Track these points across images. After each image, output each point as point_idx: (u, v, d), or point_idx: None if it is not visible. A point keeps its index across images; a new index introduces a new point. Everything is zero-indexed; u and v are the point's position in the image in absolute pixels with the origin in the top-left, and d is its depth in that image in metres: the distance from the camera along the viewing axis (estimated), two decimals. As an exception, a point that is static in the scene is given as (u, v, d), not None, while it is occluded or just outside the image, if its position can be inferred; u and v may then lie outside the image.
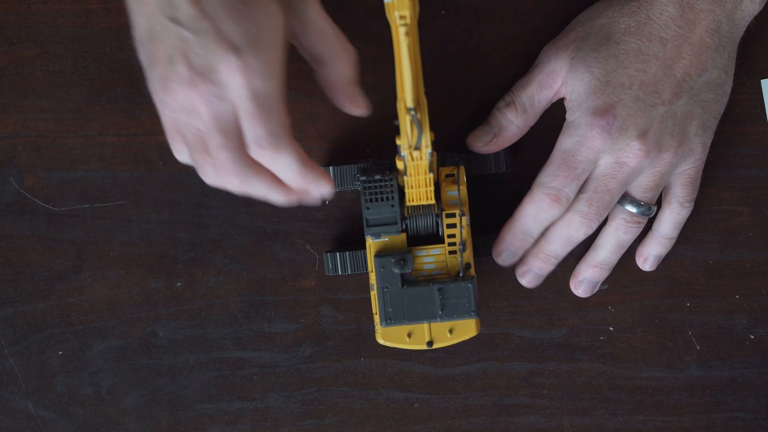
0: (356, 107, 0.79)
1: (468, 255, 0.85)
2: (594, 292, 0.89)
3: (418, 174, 0.81)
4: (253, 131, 0.72)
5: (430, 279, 0.85)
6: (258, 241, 0.89)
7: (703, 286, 0.90)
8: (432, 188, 0.82)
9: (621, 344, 0.90)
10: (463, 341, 0.89)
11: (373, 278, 0.84)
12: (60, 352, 0.90)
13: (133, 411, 0.90)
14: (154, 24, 0.72)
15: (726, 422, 0.90)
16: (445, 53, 0.89)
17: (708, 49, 0.82)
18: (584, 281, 0.88)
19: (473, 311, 0.84)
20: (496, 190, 0.89)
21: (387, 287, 0.84)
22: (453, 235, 0.84)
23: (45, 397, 0.90)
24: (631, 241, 0.87)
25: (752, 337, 0.90)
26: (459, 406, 0.90)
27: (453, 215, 0.84)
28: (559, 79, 0.84)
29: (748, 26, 0.85)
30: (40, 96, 0.89)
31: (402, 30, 0.70)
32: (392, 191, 0.84)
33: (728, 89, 0.85)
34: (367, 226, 0.84)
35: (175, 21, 0.71)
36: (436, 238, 0.85)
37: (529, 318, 0.89)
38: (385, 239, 0.84)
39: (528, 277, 0.88)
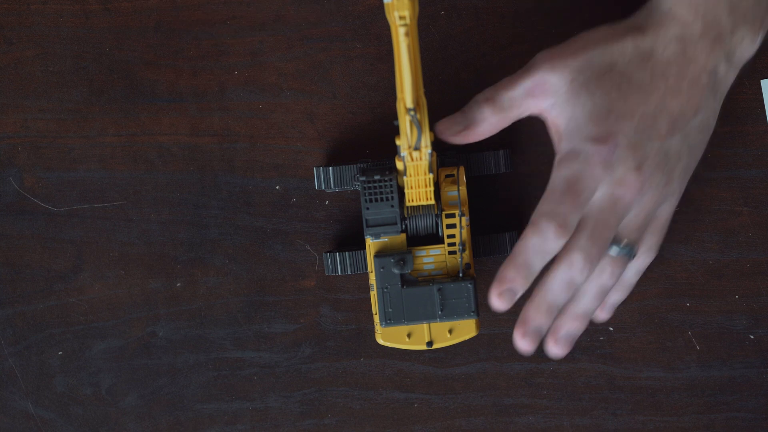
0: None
1: (468, 255, 0.85)
2: (571, 347, 0.83)
3: (418, 174, 0.81)
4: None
5: (429, 279, 0.85)
6: (258, 241, 0.89)
7: (703, 286, 0.90)
8: (432, 188, 0.82)
9: (621, 344, 0.90)
10: (462, 341, 0.89)
11: (372, 278, 0.84)
12: (60, 352, 0.90)
13: (132, 411, 0.90)
14: None
15: (726, 422, 0.90)
16: (445, 53, 0.89)
17: (704, 89, 0.81)
18: (564, 337, 0.82)
19: (473, 311, 0.84)
20: (496, 191, 0.89)
21: (386, 287, 0.84)
22: (453, 236, 0.84)
23: (45, 397, 0.90)
24: (612, 286, 0.83)
25: (752, 337, 0.90)
26: (459, 406, 0.90)
27: (453, 215, 0.84)
28: (549, 96, 0.81)
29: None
30: (40, 96, 0.89)
31: (402, 30, 0.69)
32: (392, 191, 0.84)
33: (710, 134, 0.83)
34: (367, 226, 0.84)
35: None
36: (435, 239, 0.85)
37: (529, 318, 0.89)
38: (384, 239, 0.84)
39: (527, 341, 0.80)
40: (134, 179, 0.89)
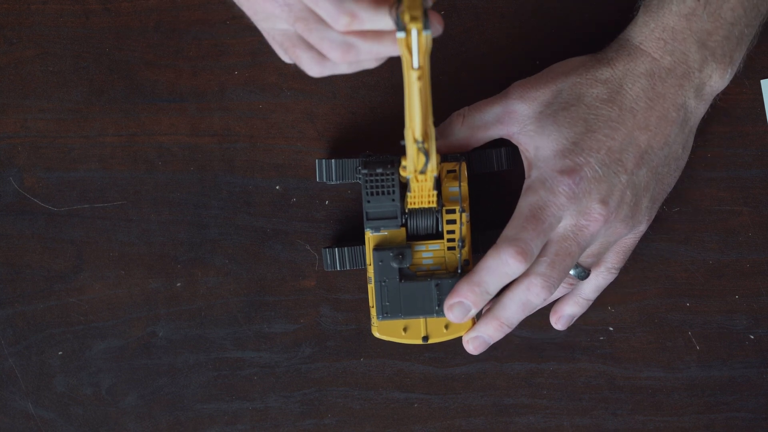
0: None
1: (467, 251, 0.85)
2: (485, 349, 0.86)
3: (422, 191, 0.81)
4: (321, 10, 0.70)
5: (428, 274, 0.85)
6: (258, 241, 0.89)
7: (703, 286, 0.90)
8: (434, 198, 0.82)
9: (621, 344, 0.90)
10: (458, 338, 0.89)
11: (371, 271, 0.84)
12: (60, 352, 0.90)
13: (132, 411, 0.90)
14: None
15: (726, 422, 0.90)
16: (445, 53, 0.89)
17: (672, 124, 0.83)
18: (480, 338, 0.85)
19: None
20: (497, 188, 0.89)
21: (384, 281, 0.84)
22: (452, 231, 0.85)
23: (45, 397, 0.90)
24: (556, 298, 0.87)
25: (752, 337, 0.90)
26: (459, 406, 0.90)
27: (453, 211, 0.84)
28: (517, 123, 0.84)
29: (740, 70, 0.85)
30: (40, 96, 0.89)
31: (414, 75, 0.70)
32: (393, 185, 0.84)
33: (683, 164, 0.85)
34: (367, 219, 0.84)
35: None
36: (435, 235, 0.85)
37: (529, 318, 0.89)
38: (384, 233, 0.85)
39: (476, 344, 0.86)
40: (134, 179, 0.89)
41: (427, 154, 0.76)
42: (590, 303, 0.88)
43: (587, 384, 0.90)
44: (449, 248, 0.85)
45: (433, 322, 0.85)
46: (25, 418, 0.90)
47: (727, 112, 0.88)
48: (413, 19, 0.68)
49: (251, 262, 0.89)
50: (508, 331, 0.84)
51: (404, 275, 0.84)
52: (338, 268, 0.87)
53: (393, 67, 0.89)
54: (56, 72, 0.89)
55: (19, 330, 0.90)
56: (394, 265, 0.84)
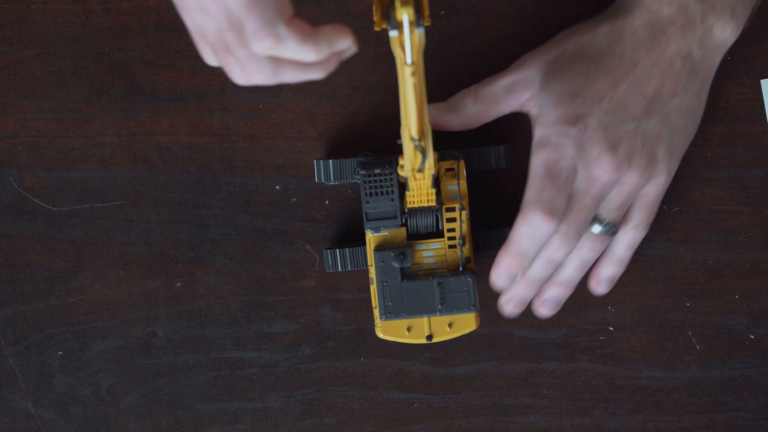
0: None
1: (468, 249, 0.85)
2: (557, 310, 0.87)
3: (421, 189, 0.81)
4: (248, 25, 0.68)
5: (429, 273, 0.85)
6: (258, 241, 0.89)
7: (703, 286, 0.90)
8: (433, 197, 0.82)
9: (621, 344, 0.90)
10: (462, 338, 0.89)
11: (372, 272, 0.84)
12: (60, 352, 0.90)
13: (132, 411, 0.90)
14: None
15: (726, 422, 0.90)
16: (445, 53, 0.89)
17: (679, 73, 0.83)
18: (549, 300, 0.87)
19: (473, 305, 0.84)
20: (496, 186, 0.89)
21: (386, 281, 0.84)
22: (453, 230, 0.85)
23: (45, 397, 0.90)
24: (595, 259, 0.87)
25: (752, 337, 0.90)
26: (459, 406, 0.90)
27: (453, 209, 0.84)
28: (526, 90, 0.85)
29: (749, 26, 0.85)
30: (40, 96, 0.89)
31: (408, 71, 0.70)
32: (392, 185, 0.84)
33: (699, 116, 0.85)
34: (367, 220, 0.84)
35: None
36: (436, 233, 0.86)
37: (529, 318, 0.89)
38: (384, 233, 0.85)
39: (511, 306, 0.86)
40: (134, 179, 0.89)
41: (424, 151, 0.76)
42: (626, 263, 0.87)
43: (587, 384, 0.90)
44: (450, 246, 0.85)
45: (437, 321, 0.85)
46: (25, 418, 0.90)
47: (727, 112, 0.88)
48: (406, 15, 0.68)
49: (251, 262, 0.89)
50: (538, 286, 0.86)
51: (406, 275, 0.84)
52: (340, 269, 0.87)
53: (393, 67, 0.89)
54: (56, 72, 0.89)
55: (19, 330, 0.90)
56: (396, 265, 0.84)
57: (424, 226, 0.85)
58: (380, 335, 0.85)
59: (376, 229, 0.85)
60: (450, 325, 0.85)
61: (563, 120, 0.82)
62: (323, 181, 0.86)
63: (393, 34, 0.69)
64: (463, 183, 0.85)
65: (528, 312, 0.90)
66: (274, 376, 0.90)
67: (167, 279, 0.90)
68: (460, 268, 0.84)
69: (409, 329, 0.85)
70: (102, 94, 0.89)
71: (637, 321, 0.90)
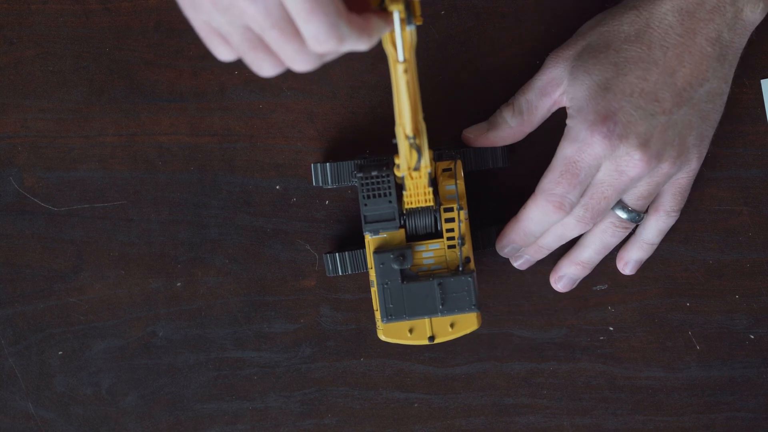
0: None
1: (467, 249, 0.85)
2: (572, 287, 0.89)
3: (417, 188, 0.81)
4: (310, 29, 0.67)
5: (429, 274, 0.85)
6: (258, 241, 0.89)
7: (703, 286, 0.90)
8: (431, 196, 0.82)
9: (621, 344, 0.90)
10: (463, 338, 0.89)
11: (372, 275, 0.84)
12: (60, 352, 0.90)
13: (132, 411, 0.90)
14: None
15: (726, 422, 0.90)
16: (445, 53, 0.89)
17: (709, 59, 0.82)
18: (565, 277, 0.89)
19: (474, 305, 0.84)
20: (494, 185, 0.89)
21: (387, 283, 0.84)
22: (451, 230, 0.85)
23: (45, 397, 0.90)
24: (616, 243, 0.87)
25: (752, 337, 0.90)
26: (459, 406, 0.90)
27: (451, 209, 0.84)
28: (558, 87, 0.85)
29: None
30: (40, 96, 0.89)
31: (400, 68, 0.70)
32: (390, 187, 0.84)
33: (725, 99, 0.84)
34: (366, 222, 0.84)
35: None
36: (435, 234, 0.85)
37: (529, 318, 0.89)
38: (383, 235, 0.84)
39: (520, 261, 0.89)
40: (134, 179, 0.89)
41: (419, 149, 0.76)
42: (654, 247, 0.88)
43: (587, 384, 0.90)
44: (449, 246, 0.85)
45: (438, 321, 0.85)
46: (25, 418, 0.90)
47: (727, 112, 0.88)
48: (397, 12, 0.68)
49: (251, 262, 0.89)
50: (547, 253, 0.88)
51: (406, 276, 0.84)
52: (340, 273, 0.87)
53: (393, 67, 0.89)
54: (56, 72, 0.89)
55: (19, 330, 0.90)
56: (396, 266, 0.84)
57: (423, 227, 0.85)
58: (382, 338, 0.85)
59: (375, 232, 0.84)
60: (452, 326, 0.85)
61: (594, 116, 0.81)
62: (321, 184, 0.86)
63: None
64: (461, 183, 0.84)
65: (528, 312, 0.90)
66: (274, 376, 0.90)
67: (167, 279, 0.90)
68: (460, 268, 0.84)
69: (411, 331, 0.85)
70: (102, 94, 0.89)
71: (637, 321, 0.90)
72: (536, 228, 0.85)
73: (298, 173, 0.89)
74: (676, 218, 0.87)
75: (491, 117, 0.87)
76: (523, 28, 0.89)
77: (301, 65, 0.69)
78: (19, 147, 0.89)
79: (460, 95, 0.89)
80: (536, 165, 0.88)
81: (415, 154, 0.76)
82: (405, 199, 0.83)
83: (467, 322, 0.85)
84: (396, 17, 0.69)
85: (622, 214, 0.85)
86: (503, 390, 0.90)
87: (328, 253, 0.87)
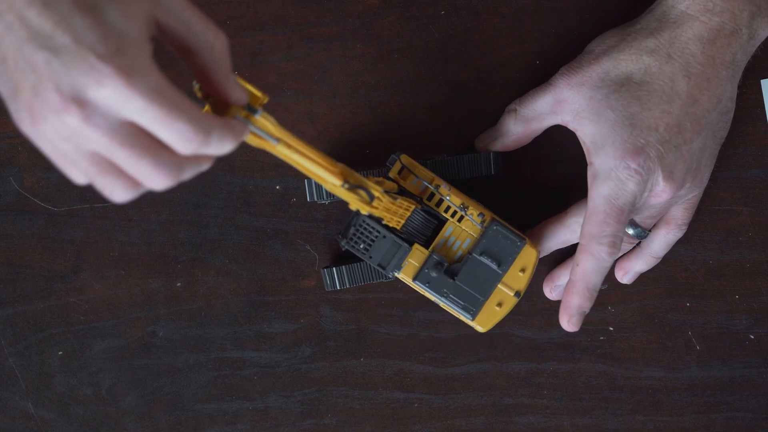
0: (234, 96, 0.69)
1: (474, 206, 0.84)
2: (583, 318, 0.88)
3: (389, 209, 0.81)
4: (174, 129, 0.64)
5: (467, 253, 0.84)
6: (258, 241, 0.89)
7: (703, 286, 0.90)
8: (406, 204, 0.82)
9: (621, 344, 0.90)
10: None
11: (431, 296, 0.84)
12: (60, 352, 0.90)
13: (132, 411, 0.90)
14: (6, 47, 0.62)
15: (726, 422, 0.90)
16: (445, 53, 0.89)
17: (724, 83, 0.82)
18: (561, 286, 0.88)
19: (519, 241, 0.84)
20: (487, 192, 0.89)
21: (444, 291, 0.84)
22: (447, 208, 0.84)
23: (45, 397, 0.90)
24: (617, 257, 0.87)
25: (752, 337, 0.90)
26: (459, 406, 0.90)
27: (432, 195, 0.84)
28: (570, 112, 0.83)
29: None
30: (40, 96, 0.89)
31: (281, 148, 0.71)
32: (373, 228, 0.84)
33: (732, 115, 0.84)
34: (383, 268, 0.84)
35: (30, 39, 0.62)
36: (440, 224, 0.85)
37: (529, 318, 0.89)
38: (406, 263, 0.84)
39: (577, 321, 0.86)
40: (134, 179, 0.89)
41: (360, 185, 0.76)
42: (658, 261, 0.88)
43: (587, 384, 0.90)
44: (459, 220, 0.84)
45: (508, 277, 0.84)
46: (25, 418, 0.90)
47: (727, 112, 0.88)
48: (246, 116, 0.69)
49: (251, 262, 0.89)
50: (595, 296, 0.85)
51: (451, 272, 0.84)
52: (338, 287, 0.87)
53: (394, 66, 0.89)
54: (56, 72, 0.89)
55: (19, 330, 0.90)
56: (436, 274, 0.84)
57: (425, 228, 0.85)
58: (484, 329, 0.85)
59: (398, 268, 0.84)
60: (522, 271, 0.85)
61: (623, 153, 0.81)
62: (315, 199, 0.86)
63: (246, 134, 0.69)
64: (420, 169, 0.84)
65: (528, 312, 0.90)
66: (274, 376, 0.90)
67: (167, 279, 0.90)
68: (482, 226, 0.84)
69: (499, 305, 0.85)
70: (102, 94, 0.89)
71: (637, 321, 0.90)
72: (597, 279, 0.84)
73: (298, 174, 0.89)
74: (684, 231, 0.87)
75: (498, 123, 0.87)
76: (523, 28, 0.89)
77: (160, 180, 0.65)
78: (19, 147, 0.89)
79: (461, 95, 0.89)
80: (529, 170, 0.88)
81: (362, 192, 0.76)
82: (391, 224, 0.83)
83: (528, 258, 0.84)
84: (241, 120, 0.69)
85: (629, 230, 0.85)
86: (503, 390, 0.90)
87: (326, 267, 0.87)
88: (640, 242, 0.87)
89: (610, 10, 0.88)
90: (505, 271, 0.84)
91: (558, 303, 0.89)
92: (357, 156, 0.89)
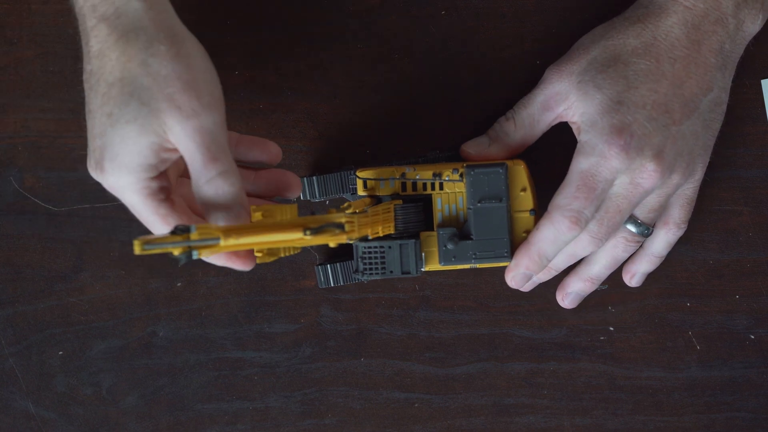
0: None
1: (445, 169, 0.84)
2: (579, 303, 0.89)
3: (372, 226, 0.81)
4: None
5: (466, 212, 0.85)
6: (258, 241, 0.89)
7: (703, 286, 0.90)
8: (386, 215, 0.83)
9: (621, 344, 0.90)
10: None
11: (464, 267, 0.85)
12: (60, 352, 0.90)
13: (133, 411, 0.90)
14: None
15: (726, 422, 0.90)
16: (445, 53, 0.89)
17: (713, 69, 0.83)
18: (572, 294, 0.88)
19: (500, 169, 0.84)
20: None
21: (471, 254, 0.84)
22: (425, 184, 0.85)
23: (45, 397, 0.90)
24: (625, 258, 0.87)
25: (752, 337, 0.90)
26: (459, 406, 0.90)
27: (404, 185, 0.85)
28: (562, 102, 0.84)
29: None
30: (40, 96, 0.89)
31: (219, 243, 0.72)
32: (375, 250, 0.84)
33: (725, 108, 0.85)
34: (408, 274, 0.85)
35: None
36: (429, 201, 0.85)
37: (529, 318, 0.89)
38: (424, 255, 0.85)
39: (521, 284, 0.86)
40: (134, 179, 0.89)
41: (331, 224, 0.75)
42: (662, 260, 0.88)
43: (587, 384, 0.90)
44: (441, 188, 0.85)
45: (515, 202, 0.85)
46: (25, 418, 0.90)
47: (727, 112, 0.88)
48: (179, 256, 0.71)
49: (251, 262, 0.89)
50: (555, 274, 0.87)
51: (465, 234, 0.84)
52: (332, 285, 0.87)
53: (394, 65, 0.89)
54: (56, 72, 0.89)
55: (20, 330, 0.90)
56: (452, 246, 0.84)
57: (417, 215, 0.85)
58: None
59: (421, 263, 0.85)
60: (523, 190, 0.85)
61: (609, 130, 0.81)
62: (309, 198, 0.86)
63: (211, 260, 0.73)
64: (381, 171, 0.84)
65: (528, 312, 0.90)
66: (275, 376, 0.90)
67: (167, 279, 0.90)
68: (461, 178, 0.84)
69: (526, 231, 0.85)
70: (102, 94, 0.89)
71: (637, 321, 0.90)
72: (550, 249, 0.84)
73: (299, 173, 0.89)
74: (685, 230, 0.87)
75: (490, 131, 0.87)
76: (523, 28, 0.89)
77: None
78: (19, 147, 0.89)
79: (461, 95, 0.89)
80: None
81: (333, 230, 0.75)
82: (384, 233, 0.83)
83: (519, 177, 0.85)
84: (182, 259, 0.71)
85: (633, 228, 0.85)
86: (503, 390, 0.90)
87: (320, 264, 0.87)
88: (642, 244, 0.87)
89: (611, 11, 0.88)
90: (507, 201, 0.84)
91: (564, 309, 0.89)
92: (357, 156, 0.89)
